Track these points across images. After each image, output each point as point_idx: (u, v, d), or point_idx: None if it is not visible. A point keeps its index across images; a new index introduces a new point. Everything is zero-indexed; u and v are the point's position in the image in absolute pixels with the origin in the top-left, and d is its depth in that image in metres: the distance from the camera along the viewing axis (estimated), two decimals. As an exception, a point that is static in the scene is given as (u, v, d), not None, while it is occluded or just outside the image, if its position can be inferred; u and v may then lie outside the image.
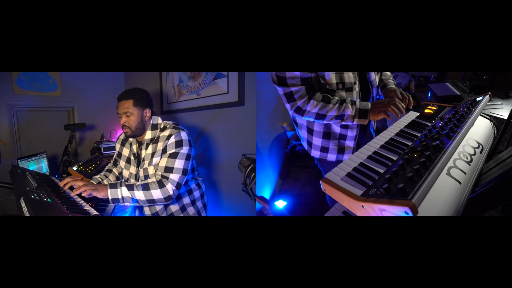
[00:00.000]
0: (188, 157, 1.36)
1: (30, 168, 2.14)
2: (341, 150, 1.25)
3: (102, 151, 2.93)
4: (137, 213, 1.53)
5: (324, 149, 1.27)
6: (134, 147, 1.48)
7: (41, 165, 2.41)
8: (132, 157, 1.48)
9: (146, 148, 1.41)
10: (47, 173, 2.40)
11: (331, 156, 1.27)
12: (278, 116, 2.53)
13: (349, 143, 1.23)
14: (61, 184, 1.30)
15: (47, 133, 3.06)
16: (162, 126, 1.44)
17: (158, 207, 1.46)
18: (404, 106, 1.10)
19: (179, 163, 1.31)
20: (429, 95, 2.41)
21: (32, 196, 0.95)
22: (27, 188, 1.05)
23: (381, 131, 0.98)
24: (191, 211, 1.52)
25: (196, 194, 1.56)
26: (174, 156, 1.32)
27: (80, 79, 3.19)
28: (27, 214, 0.81)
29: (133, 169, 1.47)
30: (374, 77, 1.25)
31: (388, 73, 1.35)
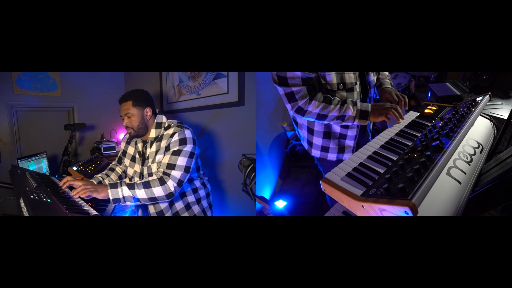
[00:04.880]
0: (191, 155, 1.35)
1: (30, 168, 2.14)
2: (341, 149, 1.26)
3: (102, 151, 2.93)
4: (140, 213, 1.53)
5: (325, 149, 1.27)
6: (139, 145, 1.49)
7: (41, 165, 2.41)
8: (137, 155, 1.49)
9: (151, 147, 1.42)
10: (47, 173, 2.40)
11: (332, 156, 1.28)
12: (278, 116, 2.53)
13: (349, 142, 1.23)
14: (60, 183, 1.30)
15: (47, 133, 3.06)
16: (166, 124, 1.44)
17: (163, 205, 1.45)
18: (400, 109, 1.12)
19: (181, 160, 1.31)
20: (429, 95, 2.42)
21: (32, 196, 0.94)
22: (27, 188, 1.05)
23: (381, 131, 0.98)
24: (196, 209, 1.52)
25: (202, 193, 1.56)
26: (177, 153, 1.32)
27: (80, 79, 3.19)
28: (26, 214, 0.81)
29: (137, 167, 1.48)
30: (373, 77, 1.25)
31: (386, 72, 1.36)
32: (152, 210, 1.47)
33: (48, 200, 0.99)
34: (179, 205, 1.48)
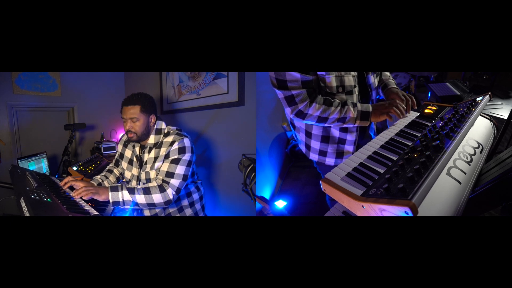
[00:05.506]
0: (189, 164, 1.39)
1: (30, 168, 2.14)
2: (339, 154, 1.23)
3: (102, 151, 2.93)
4: (135, 214, 1.53)
5: (323, 153, 1.26)
6: (137, 149, 1.50)
7: (41, 165, 2.41)
8: (134, 159, 1.51)
9: (149, 152, 1.43)
10: (47, 173, 2.40)
11: (329, 160, 1.26)
12: (278, 116, 2.53)
13: (349, 147, 1.21)
14: (61, 184, 1.30)
15: (47, 133, 3.05)
16: (165, 131, 1.46)
17: (157, 209, 1.48)
18: (406, 107, 1.10)
19: (180, 169, 1.34)
20: (429, 95, 2.42)
21: (32, 196, 0.94)
22: (27, 188, 1.05)
23: (381, 131, 0.98)
24: (188, 212, 1.55)
25: (195, 196, 1.59)
26: (176, 162, 1.35)
27: (80, 79, 3.19)
28: (27, 214, 0.81)
29: (135, 171, 1.49)
30: (373, 80, 1.23)
31: (388, 73, 1.35)
32: (147, 213, 1.49)
33: (49, 200, 0.99)
34: (172, 208, 1.51)
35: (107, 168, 1.66)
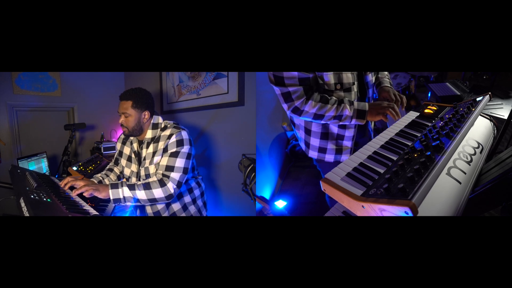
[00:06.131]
0: (188, 156, 1.37)
1: (30, 168, 2.14)
2: (339, 150, 1.25)
3: (102, 151, 2.93)
4: (138, 213, 1.53)
5: (322, 150, 1.27)
6: (135, 145, 1.49)
7: (41, 165, 2.41)
8: (133, 155, 1.50)
9: (147, 147, 1.42)
10: (47, 173, 2.40)
11: (329, 157, 1.28)
12: (278, 116, 2.53)
13: (347, 143, 1.23)
14: (61, 184, 1.30)
15: (47, 133, 3.05)
16: (162, 125, 1.45)
17: (160, 206, 1.47)
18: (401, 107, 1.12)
19: (180, 162, 1.33)
20: (429, 95, 2.42)
21: (32, 196, 0.94)
22: (27, 188, 1.05)
23: (381, 131, 0.98)
24: (192, 209, 1.54)
25: (197, 192, 1.58)
26: (175, 155, 1.33)
27: (80, 79, 3.19)
28: (26, 214, 0.81)
29: (134, 167, 1.49)
30: (371, 78, 1.25)
31: (385, 72, 1.35)
32: (149, 210, 1.47)
33: (48, 200, 0.99)
34: (176, 206, 1.49)
35: (108, 167, 1.66)
